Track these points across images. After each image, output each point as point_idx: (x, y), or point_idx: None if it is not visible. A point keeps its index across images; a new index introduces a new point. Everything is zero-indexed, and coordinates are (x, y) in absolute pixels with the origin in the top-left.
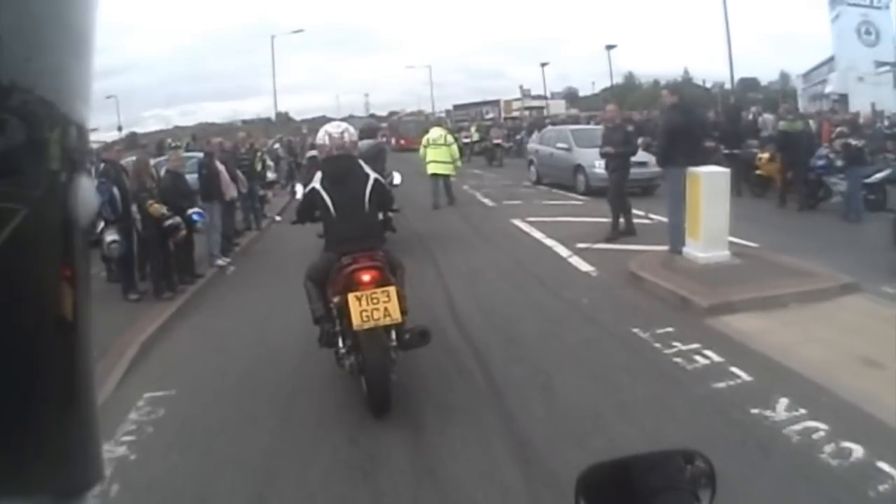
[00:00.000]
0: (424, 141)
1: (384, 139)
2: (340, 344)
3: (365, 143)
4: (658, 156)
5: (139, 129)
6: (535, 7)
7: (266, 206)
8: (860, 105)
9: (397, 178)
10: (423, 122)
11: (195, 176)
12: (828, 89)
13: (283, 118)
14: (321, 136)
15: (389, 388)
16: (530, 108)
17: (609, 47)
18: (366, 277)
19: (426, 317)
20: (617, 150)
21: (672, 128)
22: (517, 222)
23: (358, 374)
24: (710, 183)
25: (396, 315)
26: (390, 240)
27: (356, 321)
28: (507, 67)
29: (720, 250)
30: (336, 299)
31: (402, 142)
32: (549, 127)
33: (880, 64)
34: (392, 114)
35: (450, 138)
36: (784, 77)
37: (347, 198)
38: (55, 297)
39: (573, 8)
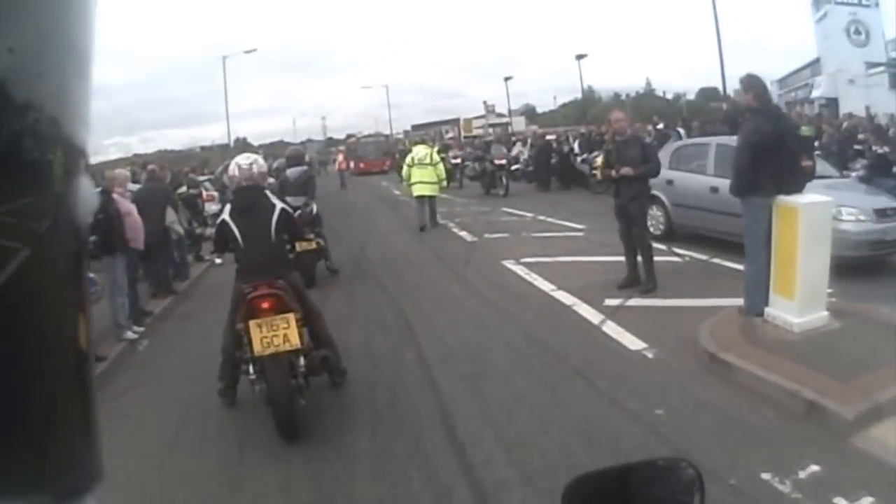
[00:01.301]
0: (409, 160)
1: (313, 166)
2: (251, 370)
3: (293, 172)
4: (735, 181)
5: (102, 158)
6: (489, 26)
7: (202, 244)
8: (852, 108)
9: (315, 208)
10: (383, 143)
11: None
12: (815, 93)
13: (241, 144)
14: (231, 168)
15: (295, 413)
16: (494, 125)
17: (579, 57)
18: (265, 305)
19: (416, 474)
20: (637, 170)
21: (756, 142)
22: (511, 265)
23: (266, 402)
24: (809, 218)
25: (295, 341)
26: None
27: (257, 347)
28: (463, 87)
29: (818, 311)
30: (240, 326)
31: (362, 165)
32: (683, 141)
33: (872, 65)
34: (349, 136)
35: (436, 157)
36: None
37: (254, 228)
38: (55, 297)
39: (527, 26)
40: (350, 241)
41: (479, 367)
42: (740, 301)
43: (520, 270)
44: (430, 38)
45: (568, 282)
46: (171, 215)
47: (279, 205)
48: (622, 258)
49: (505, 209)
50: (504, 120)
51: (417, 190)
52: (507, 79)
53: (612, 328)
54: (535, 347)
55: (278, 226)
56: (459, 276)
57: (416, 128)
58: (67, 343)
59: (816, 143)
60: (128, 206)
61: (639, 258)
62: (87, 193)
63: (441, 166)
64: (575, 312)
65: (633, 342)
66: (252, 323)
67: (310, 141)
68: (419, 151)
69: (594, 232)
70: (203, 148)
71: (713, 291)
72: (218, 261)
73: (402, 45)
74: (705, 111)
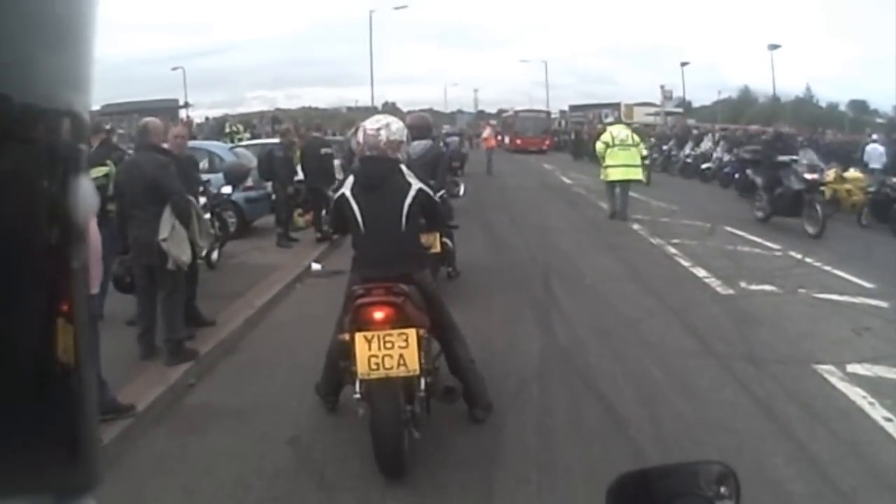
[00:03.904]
0: (608, 139)
1: (468, 141)
2: (357, 387)
3: (417, 146)
4: None
5: (243, 109)
6: (643, 14)
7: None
8: None
9: (461, 189)
10: (544, 119)
11: None
12: None
13: (390, 108)
14: (359, 133)
15: (401, 448)
16: (670, 114)
17: (773, 47)
18: (378, 315)
19: None
20: None
21: None
22: (839, 381)
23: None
24: None
25: (414, 365)
26: None
27: (362, 368)
28: (616, 73)
29: None
30: (345, 336)
31: (519, 141)
32: None
33: None
34: (501, 111)
35: (636, 138)
36: None
37: (380, 211)
38: (55, 297)
39: (680, 19)
40: (520, 260)
41: None
42: None
43: (860, 398)
44: (587, 21)
45: None
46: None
47: (416, 184)
48: None
49: (728, 229)
50: (678, 110)
51: (620, 174)
52: (683, 64)
53: None
54: None
55: (412, 209)
56: (759, 400)
57: (573, 108)
58: (67, 344)
59: None
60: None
61: None
62: (85, 193)
63: (643, 147)
64: None
65: None
66: (360, 336)
67: (460, 112)
68: (620, 131)
69: None
70: (349, 108)
71: None
72: (315, 266)
73: (558, 25)
74: (863, 124)
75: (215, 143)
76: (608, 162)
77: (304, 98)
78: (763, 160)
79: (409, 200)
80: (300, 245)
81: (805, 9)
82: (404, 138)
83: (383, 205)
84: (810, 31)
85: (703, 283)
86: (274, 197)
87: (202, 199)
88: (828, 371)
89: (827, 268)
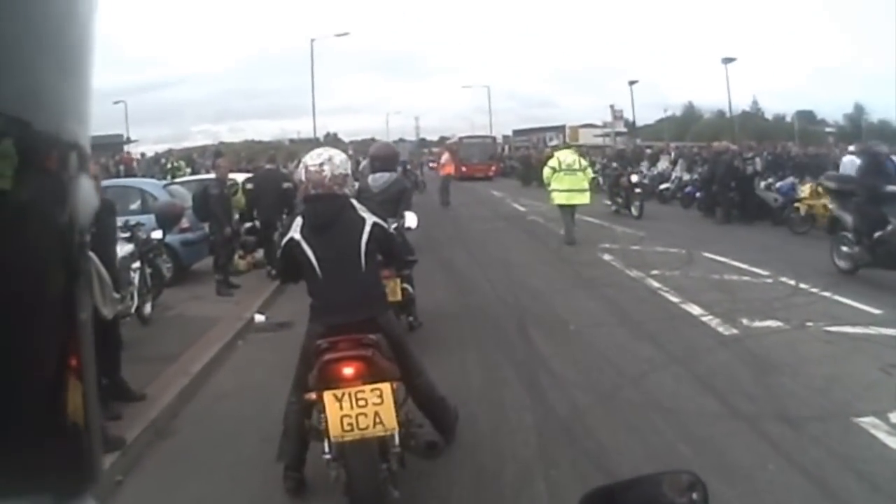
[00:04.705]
0: (554, 165)
1: (413, 170)
2: (326, 447)
3: (379, 179)
4: None
5: (188, 144)
6: (582, 37)
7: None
8: None
9: (411, 220)
10: (490, 145)
11: None
12: None
13: (331, 139)
14: (299, 170)
15: None
16: (620, 134)
17: (727, 60)
18: (347, 371)
19: None
20: None
21: None
22: (886, 438)
23: (344, 493)
24: None
25: (391, 423)
26: None
27: (335, 431)
28: (556, 96)
29: None
30: (311, 396)
31: (464, 168)
32: None
33: None
34: (444, 138)
35: (584, 162)
36: (858, 108)
37: (336, 252)
38: (55, 297)
39: (620, 40)
40: (488, 303)
41: None
42: None
43: None
44: (523, 46)
45: None
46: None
47: (370, 218)
48: None
49: (707, 254)
50: (624, 130)
51: (567, 199)
52: (632, 83)
53: None
54: None
55: (369, 247)
56: (809, 473)
57: (517, 133)
58: (67, 345)
59: None
60: None
61: None
62: (86, 195)
63: (590, 171)
64: None
65: None
66: (329, 395)
67: (402, 140)
68: (567, 156)
69: None
70: (292, 140)
71: None
72: (259, 318)
73: (495, 51)
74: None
75: (148, 180)
76: (554, 186)
77: (248, 131)
78: (857, 191)
79: (365, 237)
80: (241, 291)
81: (749, 23)
82: (349, 171)
83: (339, 245)
84: (755, 45)
85: (700, 323)
86: (212, 239)
87: (127, 247)
88: (871, 424)
89: (826, 294)
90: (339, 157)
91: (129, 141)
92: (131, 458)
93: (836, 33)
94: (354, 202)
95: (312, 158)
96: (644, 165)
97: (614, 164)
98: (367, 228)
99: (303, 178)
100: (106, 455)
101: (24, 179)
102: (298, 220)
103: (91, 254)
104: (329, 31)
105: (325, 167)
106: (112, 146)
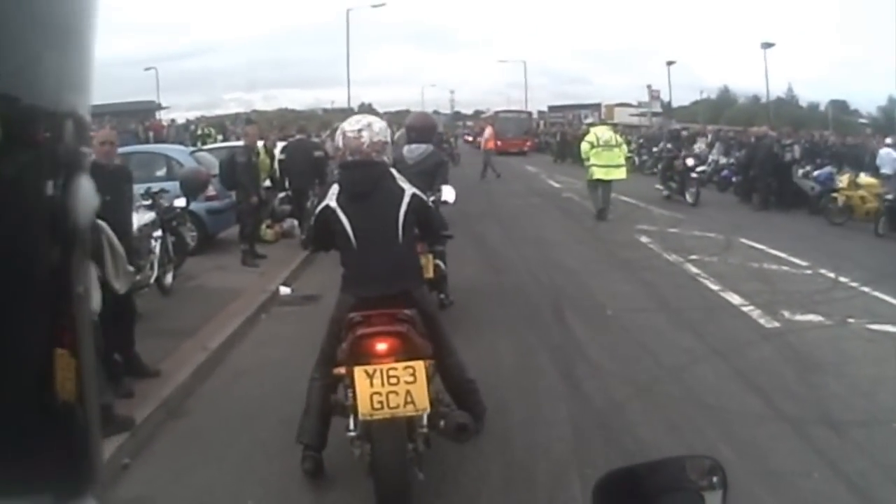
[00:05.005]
0: (592, 140)
1: (447, 144)
2: (351, 424)
3: (415, 151)
4: None
5: (219, 111)
6: (616, 15)
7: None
8: None
9: (448, 194)
10: (525, 120)
11: None
12: None
13: (366, 109)
14: (336, 136)
15: (408, 491)
16: (656, 115)
17: (766, 45)
18: (381, 347)
19: None
20: None
21: None
22: None
23: (368, 472)
24: None
25: (424, 403)
26: None
27: (364, 408)
28: (589, 74)
29: None
30: (342, 370)
31: (500, 143)
32: None
33: None
34: (478, 112)
35: (619, 139)
36: (892, 101)
37: (372, 222)
38: (55, 298)
39: (654, 20)
40: (522, 283)
41: None
42: None
43: None
44: (557, 22)
45: None
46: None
47: (409, 189)
48: None
49: (745, 241)
50: (659, 110)
51: (606, 173)
52: (669, 63)
53: None
54: None
55: (407, 218)
56: (854, 484)
57: (552, 109)
58: (66, 346)
59: None
60: None
61: None
62: (87, 199)
63: (625, 148)
64: None
65: None
66: (359, 370)
67: (437, 113)
68: (603, 133)
69: None
70: (325, 110)
71: None
72: (284, 290)
73: (532, 27)
74: (845, 125)
75: (175, 146)
76: (593, 161)
77: (281, 100)
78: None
79: (403, 208)
80: (268, 262)
81: (788, 10)
82: (388, 139)
83: (376, 215)
84: (792, 32)
85: (741, 313)
86: (239, 207)
87: (148, 215)
88: None
89: (865, 289)
90: (378, 123)
91: (160, 108)
92: (140, 439)
93: (869, 24)
94: (394, 171)
95: (351, 124)
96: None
97: (668, 146)
98: (406, 199)
99: (340, 144)
100: (114, 437)
101: (11, 152)
102: (335, 188)
103: (103, 224)
104: (365, 2)
105: (364, 133)
106: (143, 112)
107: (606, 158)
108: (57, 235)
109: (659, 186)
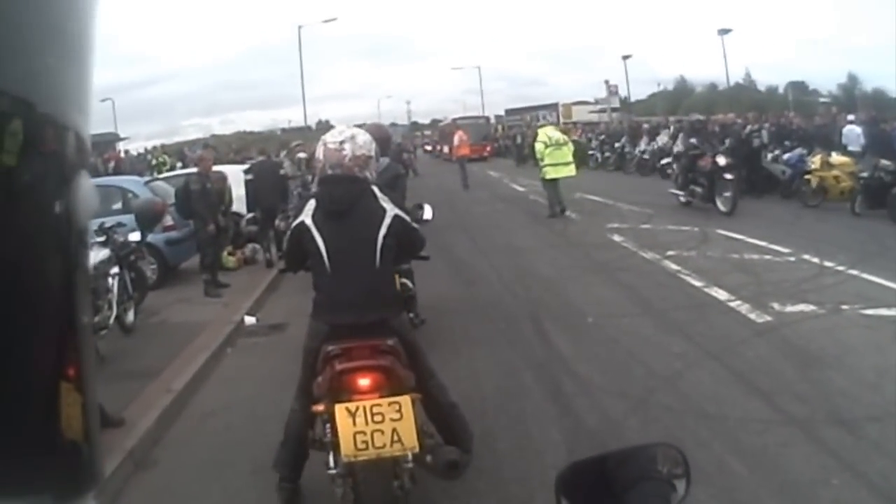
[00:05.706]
0: (545, 140)
1: (408, 155)
2: (331, 462)
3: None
4: None
5: (179, 138)
6: (568, 15)
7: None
8: None
9: (428, 213)
10: (483, 126)
11: None
12: None
13: (324, 126)
14: (318, 149)
15: None
16: (615, 110)
17: (723, 32)
18: (363, 382)
19: None
20: None
21: None
22: None
23: None
24: None
25: (411, 441)
26: None
27: (347, 449)
28: (547, 75)
29: None
30: (320, 407)
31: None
32: None
33: None
34: (435, 121)
35: (565, 137)
36: (852, 78)
37: (349, 243)
38: (55, 298)
39: (605, 16)
40: (496, 295)
41: None
42: None
43: None
44: (510, 26)
45: None
46: None
47: (391, 210)
48: None
49: (722, 231)
50: (617, 105)
51: (559, 172)
52: (625, 57)
53: None
54: None
55: (387, 241)
56: (876, 486)
57: (509, 112)
58: (67, 345)
59: None
60: None
61: None
62: (86, 193)
63: (571, 146)
64: None
65: None
66: (340, 408)
67: (394, 125)
68: (554, 133)
69: None
70: (283, 130)
71: None
72: (249, 320)
73: (485, 32)
74: (805, 105)
75: (129, 177)
76: (547, 161)
77: (239, 122)
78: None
79: (383, 231)
80: (231, 291)
81: None
82: (372, 153)
83: (353, 235)
84: (747, 17)
85: (729, 309)
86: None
87: (103, 252)
88: None
89: (853, 272)
90: (362, 136)
91: (119, 139)
92: (108, 496)
93: (824, 4)
94: (375, 189)
95: (333, 136)
96: (643, 141)
97: (692, 140)
98: (388, 221)
99: (320, 156)
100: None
101: (28, 159)
102: (311, 203)
103: None
104: (316, 18)
105: (346, 146)
106: (103, 144)
107: (558, 157)
108: (63, 252)
109: (675, 191)
